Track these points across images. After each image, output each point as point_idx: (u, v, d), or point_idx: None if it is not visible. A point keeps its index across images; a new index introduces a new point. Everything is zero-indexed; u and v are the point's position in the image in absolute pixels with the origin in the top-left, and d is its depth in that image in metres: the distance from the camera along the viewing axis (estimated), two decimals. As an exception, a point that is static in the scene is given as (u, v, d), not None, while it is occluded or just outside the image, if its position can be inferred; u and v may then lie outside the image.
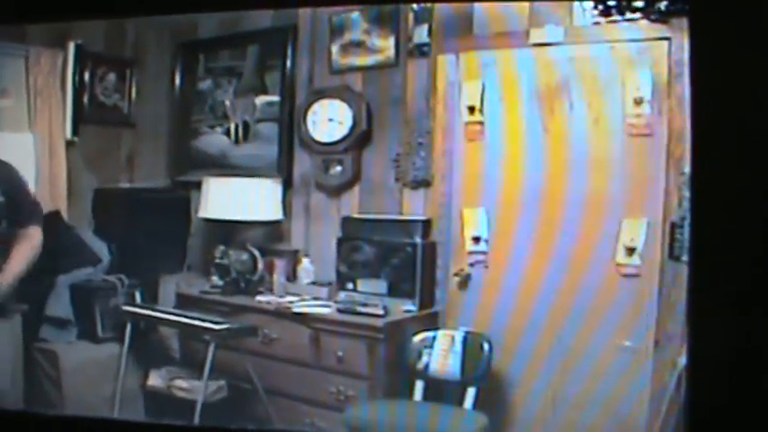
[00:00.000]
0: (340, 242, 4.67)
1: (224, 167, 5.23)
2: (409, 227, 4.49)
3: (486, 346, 4.09)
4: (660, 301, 3.79)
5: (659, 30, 3.77)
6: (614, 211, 3.94)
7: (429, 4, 4.50)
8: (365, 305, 4.35)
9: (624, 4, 3.82)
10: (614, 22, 3.89)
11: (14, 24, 4.00)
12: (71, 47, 4.98)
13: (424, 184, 4.55)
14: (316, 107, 4.90)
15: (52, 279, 4.60)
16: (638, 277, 3.89)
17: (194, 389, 4.42)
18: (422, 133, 4.53)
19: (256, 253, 4.89)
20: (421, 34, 4.54)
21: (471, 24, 4.37)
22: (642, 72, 3.86)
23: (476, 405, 4.01)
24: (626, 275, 3.92)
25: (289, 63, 5.06)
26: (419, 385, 4.17)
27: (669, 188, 3.76)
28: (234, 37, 5.28)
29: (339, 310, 4.40)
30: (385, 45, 4.68)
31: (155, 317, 4.72)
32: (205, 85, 5.43)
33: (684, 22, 3.00)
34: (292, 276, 4.90)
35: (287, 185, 5.05)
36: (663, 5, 3.71)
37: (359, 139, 4.76)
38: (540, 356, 4.12)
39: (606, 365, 3.91)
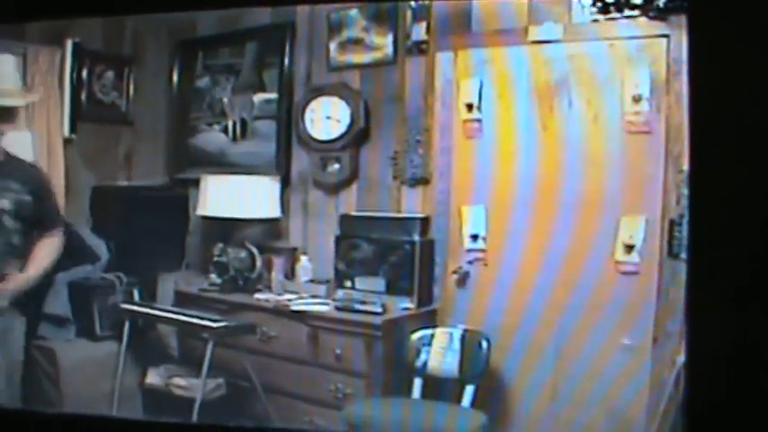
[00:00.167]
0: (338, 240, 4.67)
1: (222, 165, 5.23)
2: (407, 224, 4.49)
3: (484, 344, 4.08)
4: (659, 298, 3.79)
5: (658, 27, 3.76)
6: (613, 209, 3.94)
7: (427, 2, 4.50)
8: (363, 303, 4.35)
9: (623, 1, 3.82)
10: (613, 19, 3.89)
11: (13, 22, 4.00)
12: (69, 45, 4.98)
13: (422, 181, 4.54)
14: (313, 105, 4.90)
15: (50, 277, 4.59)
16: (637, 275, 3.89)
17: (193, 387, 4.42)
18: (419, 131, 4.52)
19: (255, 251, 4.88)
20: (419, 32, 4.54)
21: (469, 22, 4.37)
22: (641, 69, 3.86)
23: (474, 403, 4.01)
24: (624, 273, 3.92)
25: (287, 60, 5.06)
26: (417, 383, 4.17)
27: (667, 186, 3.76)
28: (232, 34, 5.28)
29: (337, 308, 4.40)
30: (383, 42, 4.67)
31: (153, 315, 4.72)
32: (203, 82, 5.42)
33: (683, 19, 3.01)
34: (290, 274, 4.90)
35: (285, 183, 5.05)
36: (661, 2, 3.71)
37: (357, 137, 4.76)
38: (538, 354, 4.12)
39: (605, 363, 3.91)
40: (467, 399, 4.02)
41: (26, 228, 3.79)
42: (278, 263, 4.91)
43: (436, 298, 4.47)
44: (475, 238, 4.37)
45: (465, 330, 4.17)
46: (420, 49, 4.54)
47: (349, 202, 4.84)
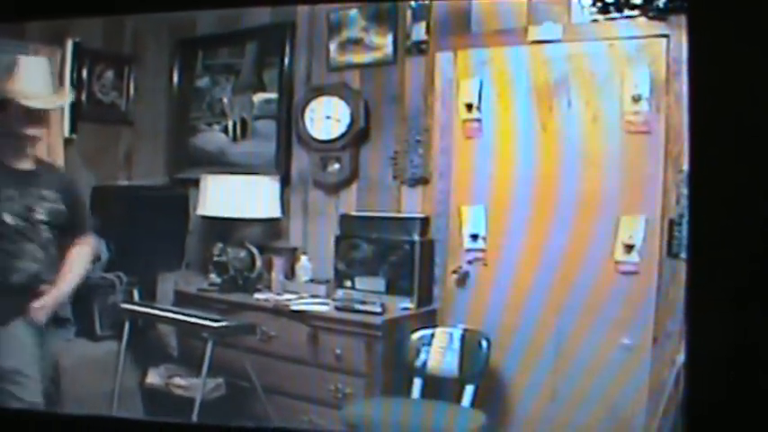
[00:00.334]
0: (338, 240, 4.68)
1: (222, 165, 5.23)
2: (407, 224, 4.49)
3: (483, 344, 4.09)
4: (658, 298, 3.79)
5: (657, 27, 3.77)
6: (612, 209, 3.94)
7: (426, 2, 4.50)
8: (363, 303, 4.35)
9: (622, 1, 3.82)
10: (612, 19, 3.89)
11: (13, 22, 4.00)
12: (69, 44, 4.98)
13: (422, 181, 4.54)
14: (313, 104, 4.90)
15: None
16: (637, 275, 3.89)
17: (192, 386, 4.42)
18: (419, 131, 4.52)
19: (254, 250, 4.89)
20: (418, 32, 4.54)
21: (469, 22, 4.37)
22: (640, 69, 3.86)
23: (474, 402, 4.01)
24: (624, 273, 3.92)
25: (287, 60, 5.06)
26: (417, 383, 4.17)
27: (667, 185, 3.76)
28: (232, 34, 5.28)
29: (337, 308, 4.40)
30: (383, 42, 4.68)
31: (153, 314, 4.72)
32: (203, 82, 5.42)
33: (683, 19, 3.01)
34: (290, 274, 4.90)
35: (285, 183, 5.05)
36: (661, 2, 3.71)
37: (356, 137, 4.76)
38: (538, 354, 4.12)
39: (604, 363, 3.91)
40: (466, 398, 4.02)
41: (60, 237, 3.67)
42: (278, 263, 4.91)
43: (436, 298, 4.47)
44: (474, 237, 4.37)
45: (465, 330, 4.17)
46: (420, 49, 4.54)
47: (349, 201, 4.84)
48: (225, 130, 5.29)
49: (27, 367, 3.41)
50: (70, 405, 4.21)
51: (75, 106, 5.04)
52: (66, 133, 5.00)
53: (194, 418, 4.21)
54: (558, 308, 4.05)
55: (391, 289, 4.46)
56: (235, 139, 5.25)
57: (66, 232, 3.67)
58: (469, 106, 4.36)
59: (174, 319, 4.61)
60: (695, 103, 2.12)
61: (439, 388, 4.16)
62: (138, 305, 4.78)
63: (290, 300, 4.58)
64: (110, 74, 5.29)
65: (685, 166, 3.29)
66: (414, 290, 4.41)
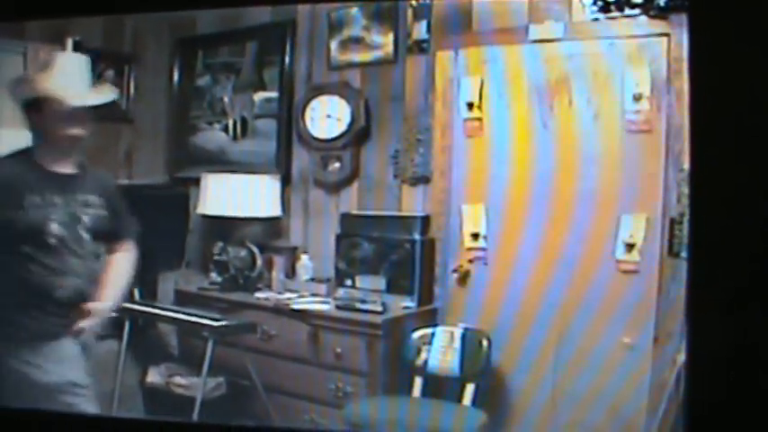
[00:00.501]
0: (339, 239, 4.67)
1: (222, 164, 5.22)
2: (408, 223, 4.49)
3: (485, 343, 4.09)
4: (659, 297, 3.79)
5: (658, 26, 3.76)
6: (613, 208, 3.93)
7: (428, 1, 4.50)
8: (364, 302, 4.35)
9: (623, 0, 3.82)
10: (613, 18, 3.89)
11: (13, 21, 3.99)
12: (69, 43, 4.97)
13: (424, 180, 4.54)
14: (314, 103, 4.89)
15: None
16: (638, 274, 3.88)
17: (193, 385, 4.42)
18: (421, 130, 4.52)
19: (255, 249, 4.89)
20: (420, 30, 4.54)
21: (471, 20, 4.37)
22: (641, 68, 3.86)
23: (475, 402, 4.01)
24: (625, 272, 3.92)
25: (287, 59, 5.05)
26: (418, 382, 4.17)
27: (668, 184, 3.75)
28: (232, 33, 5.28)
29: (338, 307, 4.40)
30: (384, 41, 4.67)
31: (153, 313, 4.72)
32: (203, 81, 5.42)
33: (683, 17, 3.00)
34: (291, 273, 4.90)
35: (285, 182, 5.04)
36: (662, 1, 3.71)
37: (358, 136, 4.75)
38: (539, 353, 4.12)
39: (605, 362, 3.91)
40: (468, 397, 4.02)
41: (103, 245, 3.42)
42: (278, 261, 4.91)
43: (437, 297, 4.46)
44: (476, 236, 4.37)
45: (466, 329, 4.17)
46: (421, 47, 4.54)
47: (350, 200, 4.84)
48: (225, 129, 5.29)
49: (82, 379, 3.24)
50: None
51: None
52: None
53: (195, 417, 4.21)
54: (559, 307, 4.05)
55: (392, 288, 4.45)
56: (235, 137, 5.25)
57: (108, 239, 3.43)
58: (471, 105, 4.36)
59: (174, 318, 4.61)
60: (696, 102, 2.12)
61: (440, 387, 4.16)
62: (138, 304, 4.77)
63: (290, 299, 4.58)
64: (110, 73, 5.28)
65: (686, 165, 3.28)
66: (415, 289, 4.41)
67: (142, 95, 5.46)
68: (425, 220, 4.49)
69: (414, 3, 4.53)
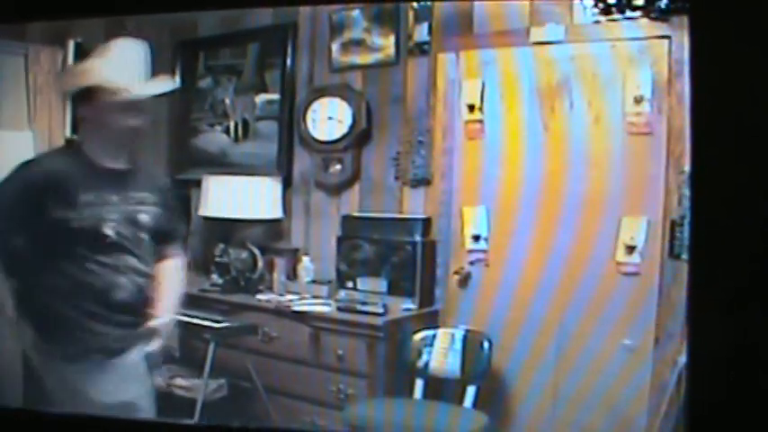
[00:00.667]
0: (340, 241, 4.68)
1: (224, 166, 5.23)
2: (409, 225, 4.49)
3: (486, 345, 4.08)
4: (660, 299, 3.79)
5: (659, 28, 3.76)
6: (614, 210, 3.93)
7: (429, 3, 4.50)
8: (365, 303, 4.35)
9: (624, 2, 3.82)
10: (614, 20, 3.89)
11: (14, 22, 4.00)
12: (71, 45, 4.98)
13: (424, 182, 4.54)
14: (315, 105, 4.90)
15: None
16: (638, 275, 3.89)
17: (194, 387, 4.42)
18: (422, 132, 4.52)
19: (256, 251, 4.89)
20: (421, 32, 4.54)
21: (471, 23, 4.37)
22: (642, 70, 3.86)
23: (475, 403, 4.01)
24: (626, 274, 3.92)
25: (289, 61, 5.06)
26: (419, 384, 4.17)
27: (669, 186, 3.75)
28: (234, 35, 5.28)
29: (339, 309, 4.40)
30: (385, 43, 4.68)
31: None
32: (205, 83, 5.43)
33: (684, 20, 3.00)
34: (292, 275, 4.90)
35: (287, 184, 5.05)
36: (663, 3, 3.71)
37: (359, 138, 4.76)
38: (540, 355, 4.12)
39: (606, 364, 3.91)
40: (468, 399, 4.02)
41: (158, 246, 3.16)
42: (280, 263, 4.91)
43: (438, 299, 4.47)
44: (477, 238, 4.37)
45: (467, 331, 4.17)
46: (422, 49, 4.54)
47: (351, 202, 4.84)
48: (227, 131, 5.29)
49: (142, 399, 3.07)
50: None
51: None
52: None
53: (196, 418, 4.21)
54: (560, 309, 4.05)
55: (393, 290, 4.46)
56: (236, 139, 5.26)
57: (163, 240, 3.17)
58: (472, 107, 4.36)
59: (175, 319, 4.61)
60: (697, 104, 2.12)
61: (441, 389, 4.16)
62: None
63: (291, 300, 4.58)
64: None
65: (687, 167, 3.29)
66: (416, 291, 4.41)
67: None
68: (426, 222, 4.50)
69: (415, 5, 4.54)
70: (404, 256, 4.44)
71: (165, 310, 3.15)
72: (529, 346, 4.14)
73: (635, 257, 3.89)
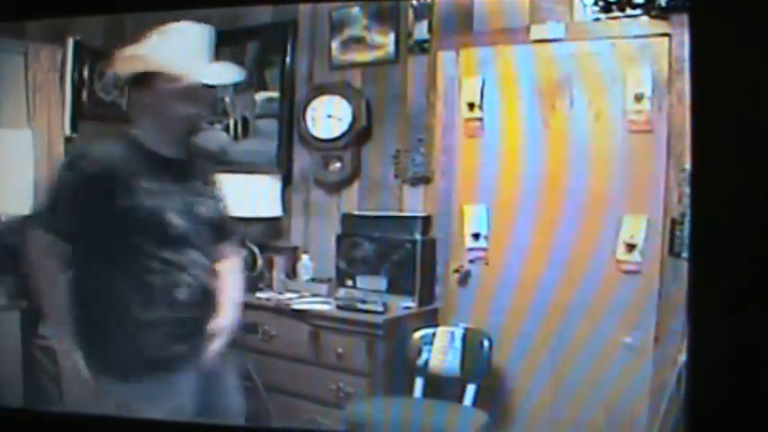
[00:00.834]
0: (339, 239, 4.67)
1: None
2: (409, 223, 4.49)
3: (485, 343, 4.08)
4: (660, 297, 3.78)
5: (660, 26, 3.76)
6: (614, 208, 3.93)
7: (429, 0, 4.50)
8: (364, 302, 4.34)
9: (624, 0, 3.82)
10: (615, 18, 3.88)
11: (13, 21, 3.99)
12: (70, 43, 4.97)
13: (424, 180, 4.54)
14: (315, 103, 4.90)
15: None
16: (639, 274, 3.88)
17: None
18: (421, 130, 4.52)
19: (255, 249, 4.88)
20: (421, 30, 4.54)
21: (471, 21, 4.37)
22: (643, 68, 3.86)
23: (475, 402, 4.01)
24: (626, 272, 3.92)
25: (288, 59, 5.06)
26: (419, 382, 4.17)
27: (669, 184, 3.75)
28: (234, 33, 5.26)
29: (338, 307, 4.39)
30: (385, 41, 4.67)
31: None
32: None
33: (685, 17, 3.00)
34: (292, 273, 4.90)
35: (286, 182, 5.05)
36: (663, 1, 3.70)
37: (358, 136, 4.75)
38: (540, 353, 4.12)
39: (606, 362, 3.91)
40: (468, 398, 4.02)
41: (217, 241, 2.95)
42: (279, 261, 4.91)
43: (438, 297, 4.47)
44: (476, 236, 4.36)
45: (466, 329, 4.17)
46: (422, 47, 4.54)
47: (350, 200, 4.84)
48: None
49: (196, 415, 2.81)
50: (71, 404, 4.21)
51: (76, 105, 5.04)
52: (68, 132, 4.99)
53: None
54: (560, 307, 4.04)
55: (393, 288, 4.45)
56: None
57: (220, 235, 2.96)
58: (472, 105, 4.36)
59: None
60: (697, 102, 2.11)
61: (440, 387, 4.16)
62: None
63: (291, 299, 4.58)
64: (111, 73, 5.27)
65: (687, 165, 3.28)
66: (415, 289, 4.41)
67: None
68: (426, 221, 4.49)
69: (414, 3, 4.53)
70: (403, 255, 4.44)
71: (227, 316, 2.93)
72: (528, 344, 4.14)
73: (635, 256, 3.88)
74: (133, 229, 2.68)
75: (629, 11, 3.82)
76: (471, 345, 4.12)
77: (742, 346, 2.02)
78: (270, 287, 4.85)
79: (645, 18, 3.79)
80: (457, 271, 4.41)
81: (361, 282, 4.54)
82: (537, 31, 4.12)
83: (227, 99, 5.29)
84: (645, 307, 3.83)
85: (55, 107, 4.92)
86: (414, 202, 4.58)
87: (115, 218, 2.68)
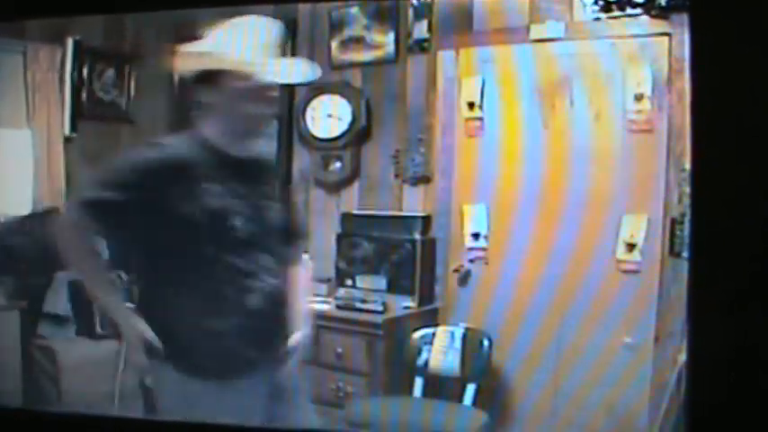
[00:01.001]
0: (339, 238, 4.67)
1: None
2: (408, 223, 4.49)
3: (485, 343, 4.08)
4: (660, 297, 3.78)
5: (660, 25, 3.76)
6: (614, 208, 3.93)
7: (428, 0, 4.49)
8: (364, 301, 4.34)
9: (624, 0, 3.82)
10: (615, 17, 3.88)
11: (13, 20, 3.99)
12: (70, 43, 4.97)
13: (424, 180, 4.54)
14: (315, 103, 4.89)
15: (50, 275, 4.58)
16: (639, 274, 3.88)
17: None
18: (421, 129, 4.52)
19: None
20: (420, 30, 4.54)
21: (471, 20, 4.37)
22: (643, 68, 3.85)
23: (475, 401, 4.01)
24: (626, 272, 3.92)
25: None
26: (418, 382, 4.16)
27: (669, 184, 3.75)
28: (233, 32, 5.26)
29: (338, 307, 4.39)
30: (384, 41, 4.67)
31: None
32: (204, 80, 5.40)
33: (685, 17, 2.99)
34: (292, 272, 4.88)
35: (286, 181, 5.04)
36: (663, 1, 3.70)
37: (358, 135, 4.75)
38: (539, 353, 4.11)
39: (606, 362, 3.90)
40: (468, 397, 4.02)
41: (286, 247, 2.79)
42: (279, 261, 4.90)
43: (437, 296, 4.46)
44: (476, 236, 4.36)
45: (466, 329, 4.17)
46: (421, 47, 4.54)
47: (350, 200, 4.84)
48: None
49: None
50: (70, 404, 4.21)
51: (75, 104, 5.03)
52: (67, 132, 4.99)
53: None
54: (560, 306, 4.04)
55: (392, 288, 4.45)
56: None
57: (289, 239, 2.81)
58: (471, 105, 4.35)
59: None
60: (697, 102, 2.11)
61: (440, 387, 4.16)
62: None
63: (291, 298, 4.57)
64: (111, 72, 5.27)
65: (688, 165, 3.27)
66: (415, 288, 4.41)
67: (142, 95, 5.45)
68: (426, 220, 4.49)
69: (414, 2, 4.53)
70: (403, 254, 4.43)
71: (298, 326, 2.82)
72: (528, 344, 4.14)
73: (635, 255, 3.88)
74: (198, 233, 2.54)
75: (629, 10, 3.82)
76: (471, 344, 4.12)
77: (742, 345, 2.02)
78: (269, 287, 4.84)
79: (645, 18, 3.79)
80: (457, 271, 4.41)
81: (361, 281, 4.54)
82: (537, 31, 4.12)
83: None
84: (645, 307, 3.83)
85: (54, 107, 4.92)
86: (413, 202, 4.58)
87: (180, 217, 2.54)
